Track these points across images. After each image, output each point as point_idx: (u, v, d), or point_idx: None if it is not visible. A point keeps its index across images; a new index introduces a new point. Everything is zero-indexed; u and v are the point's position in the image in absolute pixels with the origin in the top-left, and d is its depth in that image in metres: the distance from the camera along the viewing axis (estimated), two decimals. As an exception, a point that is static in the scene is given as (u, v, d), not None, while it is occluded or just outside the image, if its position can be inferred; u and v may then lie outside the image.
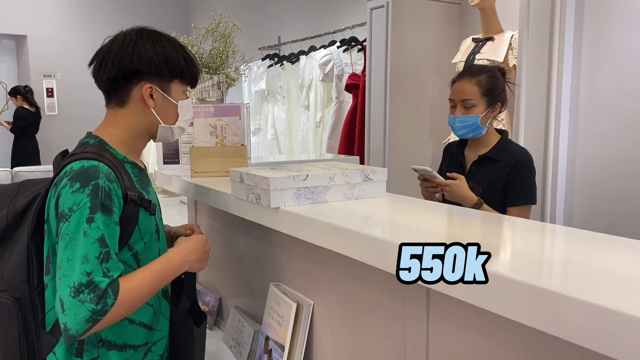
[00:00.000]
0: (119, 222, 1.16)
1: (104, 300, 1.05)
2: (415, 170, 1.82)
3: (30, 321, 1.18)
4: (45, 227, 1.19)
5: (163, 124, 1.31)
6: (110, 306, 1.06)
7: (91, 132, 1.29)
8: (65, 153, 1.26)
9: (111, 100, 1.29)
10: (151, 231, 1.27)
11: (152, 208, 1.26)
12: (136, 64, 1.23)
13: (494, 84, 1.83)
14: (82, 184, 1.12)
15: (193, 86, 1.37)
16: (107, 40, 1.28)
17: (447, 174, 1.81)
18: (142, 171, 1.32)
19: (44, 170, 4.17)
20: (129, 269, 1.19)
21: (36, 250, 1.19)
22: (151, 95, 1.26)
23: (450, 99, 1.88)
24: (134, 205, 1.20)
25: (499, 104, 1.85)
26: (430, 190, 1.84)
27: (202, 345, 1.44)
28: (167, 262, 1.22)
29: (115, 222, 1.14)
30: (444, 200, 1.86)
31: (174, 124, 1.33)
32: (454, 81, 1.89)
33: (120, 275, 1.11)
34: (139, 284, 1.14)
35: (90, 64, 1.29)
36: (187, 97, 1.35)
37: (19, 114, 7.12)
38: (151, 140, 1.37)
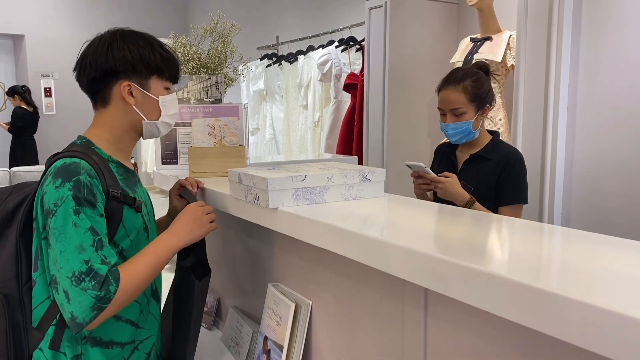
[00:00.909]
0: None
1: (106, 287, 1.09)
2: (409, 166, 1.83)
3: (19, 317, 1.20)
4: (33, 225, 1.22)
5: (146, 120, 1.34)
6: (113, 293, 1.10)
7: (81, 135, 1.32)
8: (56, 155, 1.29)
9: (96, 102, 1.33)
10: (138, 229, 1.29)
11: (137, 205, 1.29)
12: (112, 64, 1.27)
13: (479, 88, 1.82)
14: (63, 179, 1.15)
15: (173, 82, 1.40)
16: (85, 44, 1.33)
17: (439, 175, 1.81)
18: (128, 171, 1.35)
19: (42, 170, 4.16)
20: None
21: (25, 247, 1.22)
22: (131, 93, 1.30)
23: (439, 108, 1.88)
24: (117, 202, 1.23)
25: (488, 105, 1.85)
26: (424, 187, 1.84)
27: (203, 299, 1.46)
28: (159, 243, 1.26)
29: (100, 214, 1.17)
30: (436, 199, 1.87)
31: (158, 119, 1.36)
32: (439, 89, 1.88)
33: (117, 263, 1.14)
34: (137, 267, 1.18)
35: (74, 70, 1.33)
36: (169, 93, 1.38)
37: (17, 113, 7.12)
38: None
